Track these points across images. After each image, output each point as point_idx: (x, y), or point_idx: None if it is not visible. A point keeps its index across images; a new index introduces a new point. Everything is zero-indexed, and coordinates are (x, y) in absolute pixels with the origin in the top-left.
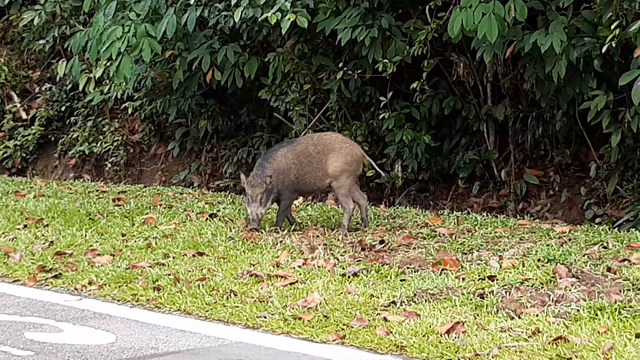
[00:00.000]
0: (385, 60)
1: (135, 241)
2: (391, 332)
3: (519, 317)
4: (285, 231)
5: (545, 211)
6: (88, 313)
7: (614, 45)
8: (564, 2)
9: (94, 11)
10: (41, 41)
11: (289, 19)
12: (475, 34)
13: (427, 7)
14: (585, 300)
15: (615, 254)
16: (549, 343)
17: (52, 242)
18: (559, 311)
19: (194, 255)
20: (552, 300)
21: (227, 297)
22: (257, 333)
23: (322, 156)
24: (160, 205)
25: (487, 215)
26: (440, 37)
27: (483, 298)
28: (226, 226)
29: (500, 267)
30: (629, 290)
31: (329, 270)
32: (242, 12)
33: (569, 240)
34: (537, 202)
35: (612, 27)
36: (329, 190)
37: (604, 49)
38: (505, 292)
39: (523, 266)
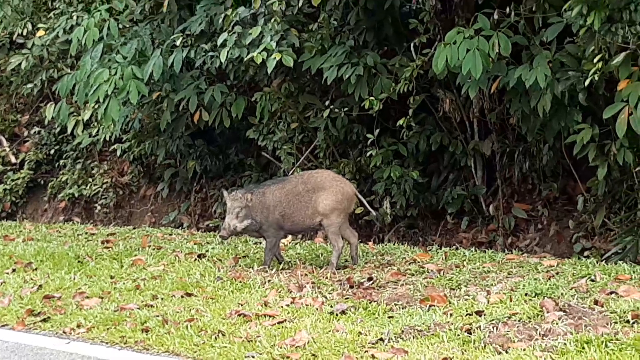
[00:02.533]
0: (372, 98)
1: (123, 283)
2: None
3: (506, 352)
4: (274, 270)
5: (534, 245)
6: (76, 356)
7: (597, 78)
8: (547, 37)
9: (81, 54)
10: (29, 85)
11: (275, 58)
12: (460, 70)
13: (412, 44)
14: (572, 334)
15: (603, 287)
16: None
17: (40, 285)
18: (546, 345)
19: (182, 296)
20: (539, 334)
21: (216, 338)
22: None
23: (312, 194)
24: (149, 246)
25: (476, 250)
26: (425, 73)
27: (470, 333)
28: (215, 266)
29: (488, 302)
30: (616, 322)
31: (317, 309)
32: (228, 52)
33: (557, 273)
34: (525, 236)
35: (595, 60)
36: (319, 228)
37: (587, 83)
38: (493, 327)
39: (510, 301)
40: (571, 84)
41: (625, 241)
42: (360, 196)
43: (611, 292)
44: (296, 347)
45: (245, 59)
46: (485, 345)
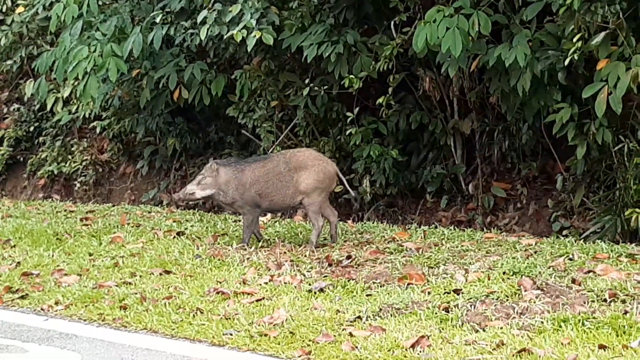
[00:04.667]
0: (352, 76)
1: (102, 260)
2: (356, 347)
3: (484, 330)
4: (253, 248)
5: (513, 224)
6: (54, 333)
7: (576, 57)
8: (527, 16)
9: (61, 31)
10: (8, 62)
11: (255, 36)
12: (440, 49)
13: (392, 23)
14: (549, 312)
15: (581, 266)
16: (513, 355)
17: (19, 262)
18: (523, 323)
19: (160, 274)
20: (517, 312)
21: (194, 315)
22: (223, 350)
23: (293, 174)
24: (128, 224)
25: (455, 229)
26: (405, 52)
27: (448, 312)
28: (193, 244)
29: (466, 280)
30: (593, 301)
31: (295, 287)
32: (208, 30)
33: (535, 252)
34: (504, 215)
35: (575, 39)
36: (299, 207)
37: (567, 62)
38: (471, 306)
39: (488, 279)
40: (551, 63)
41: (603, 220)
42: (341, 175)
43: (589, 271)
44: (274, 325)
45: (225, 37)
46: (462, 324)
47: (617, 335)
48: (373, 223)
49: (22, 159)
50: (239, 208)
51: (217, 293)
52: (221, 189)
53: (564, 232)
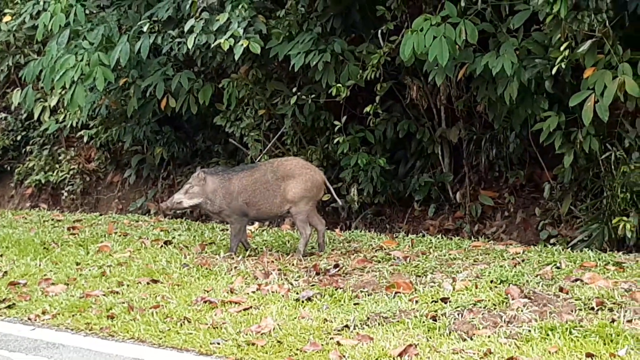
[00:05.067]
0: (339, 85)
1: (89, 270)
2: (344, 356)
3: (471, 339)
4: (240, 257)
5: (500, 232)
6: (41, 343)
7: (563, 66)
8: (514, 24)
9: (48, 40)
10: None
11: (242, 45)
12: (427, 57)
13: (380, 31)
14: (537, 321)
15: (568, 274)
16: None
17: (6, 272)
18: (510, 332)
19: (148, 283)
20: (504, 321)
21: (181, 324)
22: (211, 359)
23: (281, 182)
24: (116, 233)
25: (442, 238)
26: (393, 60)
27: (436, 320)
28: (181, 253)
29: (454, 289)
30: (580, 310)
31: (283, 296)
32: (195, 38)
33: (523, 261)
34: (492, 223)
35: (562, 48)
36: (287, 215)
37: (554, 70)
38: (458, 314)
39: (476, 288)
40: (538, 72)
41: (591, 229)
42: (328, 184)
43: (576, 280)
44: (262, 334)
45: (212, 46)
46: (450, 332)
47: (605, 344)
48: (361, 232)
49: (9, 168)
50: (226, 217)
51: (205, 302)
52: (208, 198)
53: (552, 241)
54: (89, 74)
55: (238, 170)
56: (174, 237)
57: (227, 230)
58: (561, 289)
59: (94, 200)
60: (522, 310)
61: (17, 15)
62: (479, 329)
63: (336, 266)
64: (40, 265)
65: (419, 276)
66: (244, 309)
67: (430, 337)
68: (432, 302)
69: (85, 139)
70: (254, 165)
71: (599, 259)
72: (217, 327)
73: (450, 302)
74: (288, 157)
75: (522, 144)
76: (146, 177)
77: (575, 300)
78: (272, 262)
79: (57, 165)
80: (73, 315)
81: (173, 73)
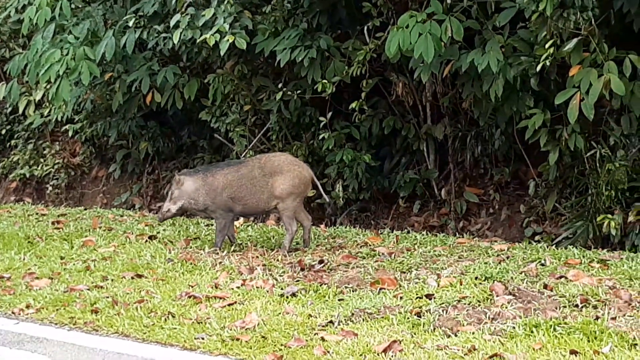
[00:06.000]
0: (325, 81)
1: (73, 264)
2: (328, 352)
3: (456, 335)
4: (225, 252)
5: (485, 229)
6: (25, 337)
7: (549, 63)
8: (500, 22)
9: (33, 34)
10: None
11: (228, 40)
12: (413, 54)
13: (366, 28)
14: (521, 318)
15: (553, 271)
16: None
17: None
18: (495, 329)
19: (132, 278)
20: (489, 317)
21: (165, 319)
22: (195, 354)
23: (268, 178)
24: (100, 227)
25: (427, 234)
26: (379, 57)
27: (420, 316)
28: (165, 248)
29: (438, 285)
30: (564, 307)
31: (267, 291)
32: (181, 33)
33: (507, 257)
34: (477, 220)
35: (547, 46)
36: (274, 211)
37: (539, 68)
38: (443, 311)
39: (461, 284)
40: (523, 69)
41: (575, 226)
42: (316, 181)
43: (561, 277)
44: (246, 329)
45: (198, 41)
46: (434, 329)
47: (589, 341)
48: (346, 228)
49: None
50: (211, 213)
51: (189, 297)
52: (191, 198)
53: (536, 238)
54: (74, 68)
55: (223, 165)
56: (158, 232)
57: (212, 225)
58: (545, 286)
59: (79, 195)
60: (506, 307)
61: (2, 9)
62: (463, 326)
63: (321, 262)
64: (24, 259)
65: (404, 272)
66: (229, 304)
67: (414, 333)
68: (417, 298)
69: (70, 134)
70: (241, 160)
71: (583, 257)
72: (201, 322)
73: (434, 298)
74: (276, 153)
75: (508, 141)
76: (131, 171)
77: (560, 297)
78: (257, 257)
79: (41, 160)
80: (57, 310)
81: (159, 68)
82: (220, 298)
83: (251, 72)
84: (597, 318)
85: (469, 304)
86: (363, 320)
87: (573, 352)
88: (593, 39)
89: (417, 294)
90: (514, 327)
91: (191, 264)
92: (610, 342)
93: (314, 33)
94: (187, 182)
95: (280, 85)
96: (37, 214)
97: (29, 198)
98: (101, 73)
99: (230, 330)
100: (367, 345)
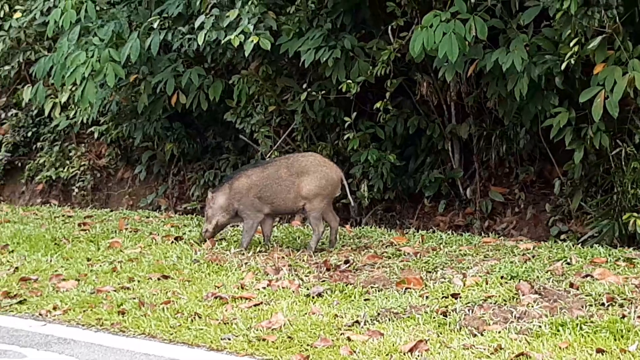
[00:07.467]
0: (349, 81)
1: (100, 265)
2: (355, 352)
3: (482, 335)
4: (251, 253)
5: (511, 228)
6: (52, 338)
7: (573, 62)
8: (524, 20)
9: (58, 36)
10: (6, 67)
11: (252, 41)
12: (437, 53)
13: (390, 27)
14: (547, 317)
15: (578, 270)
16: (511, 359)
17: (17, 267)
18: (521, 328)
19: (158, 279)
20: (515, 317)
21: (192, 320)
22: (222, 355)
23: (294, 178)
24: (126, 229)
25: (453, 234)
26: (403, 56)
27: (446, 316)
28: (191, 249)
29: (464, 285)
30: (590, 305)
31: (293, 291)
32: (205, 35)
33: (533, 257)
34: (502, 219)
35: (572, 44)
36: (302, 212)
37: (564, 66)
38: (469, 310)
39: (486, 283)
40: (548, 68)
41: (601, 224)
42: (345, 182)
43: (587, 275)
44: (272, 330)
45: (222, 42)
46: (460, 328)
47: (615, 340)
48: (371, 228)
49: (20, 165)
50: (241, 213)
51: (215, 298)
52: (224, 210)
53: (562, 237)
54: (99, 70)
55: (248, 167)
56: (184, 233)
57: (238, 226)
58: (571, 285)
59: (105, 197)
60: (532, 306)
61: (27, 12)
62: (489, 325)
63: (346, 262)
64: (51, 261)
65: (430, 272)
66: (255, 305)
67: (440, 333)
68: (443, 297)
69: (95, 135)
70: (269, 160)
71: (609, 255)
72: (227, 323)
73: (460, 297)
74: (305, 153)
75: (532, 140)
76: (156, 173)
77: (586, 296)
78: (283, 258)
79: (67, 162)
80: (84, 311)
81: (183, 69)
82: (247, 299)
83: (275, 73)
84: (624, 316)
85: (494, 303)
86: (389, 320)
87: (599, 350)
88: (617, 36)
89: (443, 294)
90: (540, 326)
91: (217, 264)
92: (637, 341)
93: (338, 33)
94: (218, 197)
95: (304, 86)
96: (63, 215)
97: (55, 200)
98: (126, 75)
99: (257, 330)
100: (393, 345)
